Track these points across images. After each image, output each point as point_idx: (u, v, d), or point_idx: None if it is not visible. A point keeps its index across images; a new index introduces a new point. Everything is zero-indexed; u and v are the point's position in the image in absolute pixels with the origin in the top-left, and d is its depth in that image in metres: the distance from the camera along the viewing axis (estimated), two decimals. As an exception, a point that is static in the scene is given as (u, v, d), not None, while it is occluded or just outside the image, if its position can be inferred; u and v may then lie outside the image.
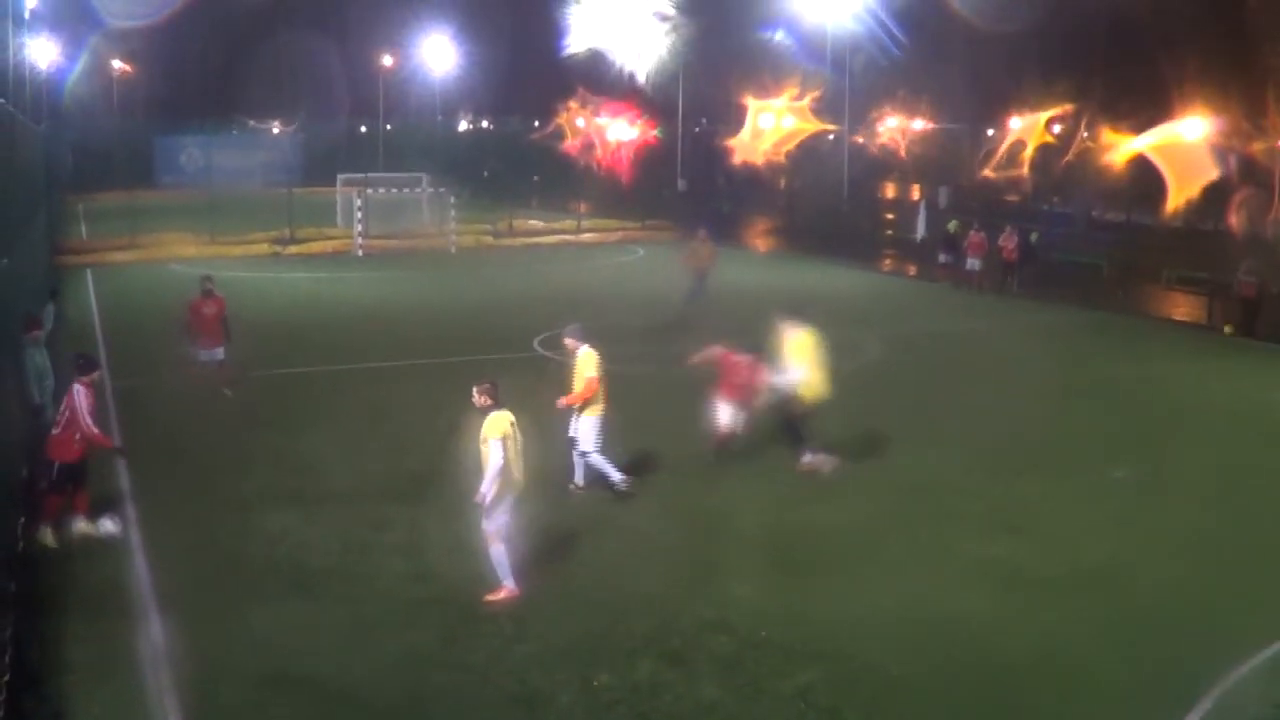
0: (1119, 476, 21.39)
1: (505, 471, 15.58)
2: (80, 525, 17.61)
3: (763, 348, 21.54)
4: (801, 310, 22.01)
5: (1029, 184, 71.60)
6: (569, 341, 20.35)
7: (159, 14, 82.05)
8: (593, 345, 20.40)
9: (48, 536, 17.35)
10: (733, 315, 34.78)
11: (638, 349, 32.46)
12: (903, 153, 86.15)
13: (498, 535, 15.73)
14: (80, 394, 17.54)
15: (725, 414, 21.72)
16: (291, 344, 32.04)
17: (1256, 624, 15.23)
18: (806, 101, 70.17)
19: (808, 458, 21.26)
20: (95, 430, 17.68)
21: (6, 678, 13.11)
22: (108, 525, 17.79)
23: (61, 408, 17.75)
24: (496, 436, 15.54)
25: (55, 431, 17.67)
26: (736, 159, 72.18)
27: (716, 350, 21.99)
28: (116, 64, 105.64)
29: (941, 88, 76.78)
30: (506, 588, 15.81)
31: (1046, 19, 63.34)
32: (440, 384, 25.77)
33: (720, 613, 15.32)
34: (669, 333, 33.80)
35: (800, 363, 21.12)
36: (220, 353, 26.68)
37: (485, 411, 15.83)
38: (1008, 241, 45.34)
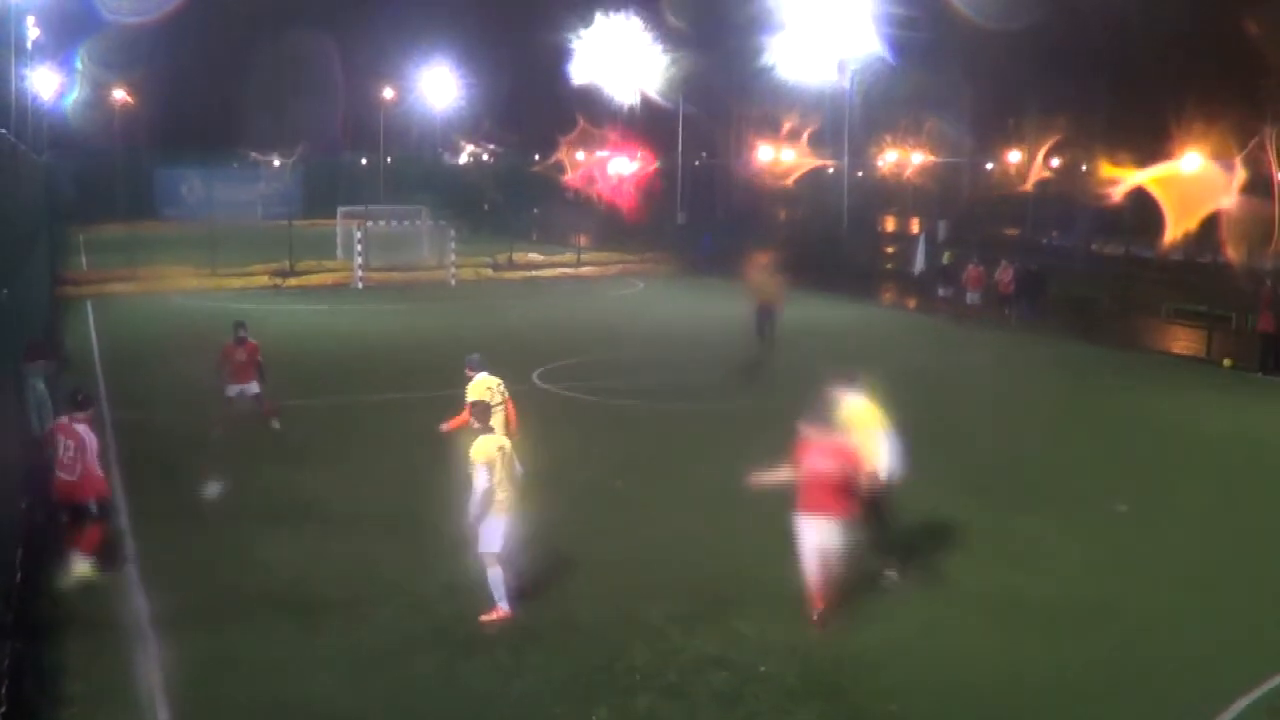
0: (1121, 510, 21.37)
1: (491, 494, 15.78)
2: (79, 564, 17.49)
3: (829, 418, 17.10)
4: (854, 373, 18.41)
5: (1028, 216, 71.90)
6: (468, 371, 20.22)
7: (159, 10, 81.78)
8: (492, 374, 20.23)
9: (86, 568, 17.15)
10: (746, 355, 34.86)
11: (653, 381, 32.57)
12: (904, 184, 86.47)
13: (493, 558, 15.89)
14: (87, 433, 17.39)
15: (821, 537, 16.04)
16: (290, 376, 31.95)
17: (1259, 657, 15.20)
18: (805, 136, 70.44)
19: (891, 571, 17.66)
20: (99, 473, 17.69)
21: (3, 710, 13.07)
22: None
23: (70, 449, 17.39)
24: (481, 460, 15.78)
25: (72, 478, 17.33)
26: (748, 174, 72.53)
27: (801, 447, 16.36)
28: (118, 94, 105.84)
29: (941, 121, 76.96)
30: (500, 609, 15.99)
31: (1046, 52, 63.59)
32: (439, 417, 25.72)
33: (720, 648, 15.29)
34: (710, 370, 33.84)
35: (875, 438, 17.49)
36: (254, 387, 26.30)
37: (476, 435, 16.21)
38: (1004, 275, 45.47)
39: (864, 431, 17.33)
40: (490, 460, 15.86)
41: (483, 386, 19.76)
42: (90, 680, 14.30)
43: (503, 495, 15.96)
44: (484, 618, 15.93)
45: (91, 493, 17.43)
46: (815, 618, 15.88)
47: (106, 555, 17.60)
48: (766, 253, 39.11)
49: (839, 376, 18.09)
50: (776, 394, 31.22)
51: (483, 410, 16.88)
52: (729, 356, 35.52)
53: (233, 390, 26.16)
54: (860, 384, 18.05)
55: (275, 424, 26.43)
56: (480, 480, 15.75)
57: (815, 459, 16.00)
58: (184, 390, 30.17)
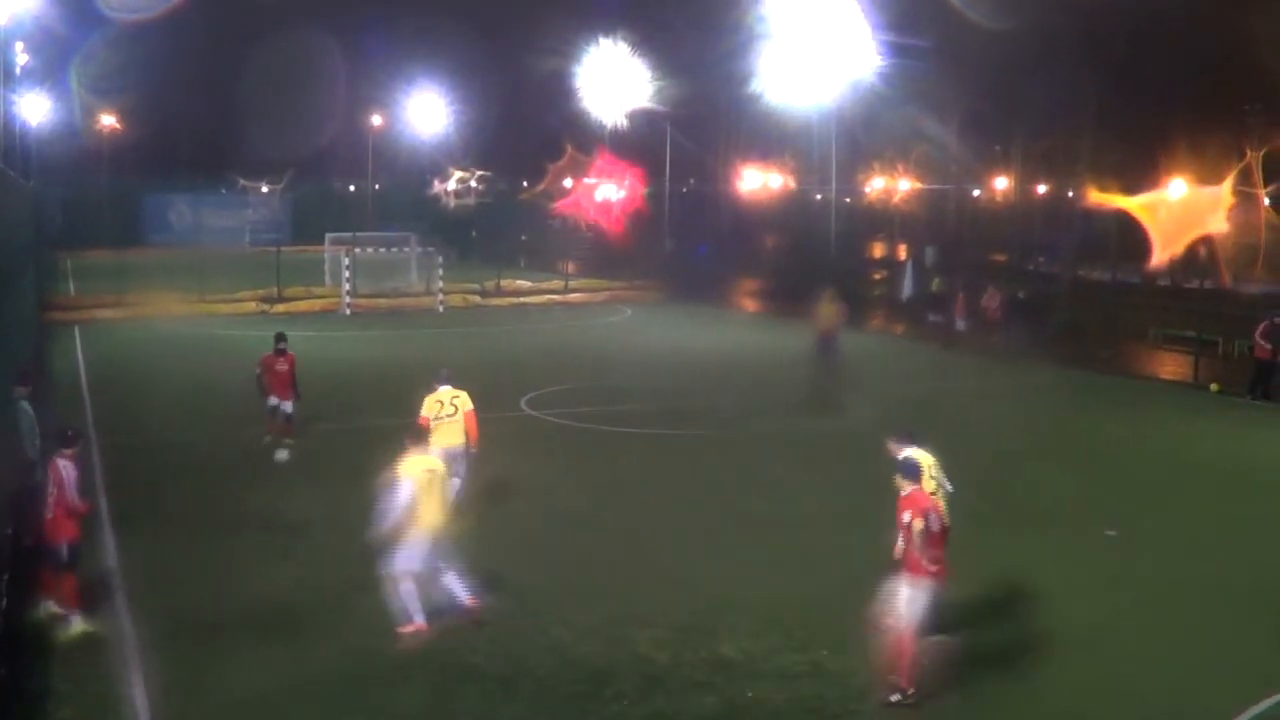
0: (1110, 535, 21.40)
1: (410, 512, 15.97)
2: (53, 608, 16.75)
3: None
4: (914, 428, 16.83)
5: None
6: (434, 385, 21.25)
7: (158, 8, 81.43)
8: (457, 388, 21.19)
9: (79, 624, 16.44)
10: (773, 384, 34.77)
11: (641, 407, 32.56)
12: (891, 210, 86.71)
13: (404, 575, 16.08)
14: (66, 467, 16.88)
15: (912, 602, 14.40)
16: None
17: (1250, 679, 15.22)
18: (793, 163, 70.61)
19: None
20: (79, 502, 16.93)
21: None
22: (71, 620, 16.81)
23: (50, 486, 16.91)
24: (407, 476, 16.09)
25: (50, 515, 16.76)
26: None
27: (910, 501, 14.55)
28: (107, 120, 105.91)
29: (928, 147, 77.13)
30: (416, 624, 16.12)
31: (1033, 79, 63.81)
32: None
33: (707, 673, 15.28)
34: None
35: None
36: (289, 406, 27.22)
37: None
38: (991, 301, 45.51)
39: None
40: (414, 479, 16.12)
41: (434, 400, 20.80)
42: (78, 705, 14.27)
43: (426, 517, 16.11)
44: (401, 630, 16.08)
45: (61, 536, 16.74)
46: (907, 696, 14.30)
47: (85, 603, 16.93)
48: (828, 284, 38.79)
49: (902, 431, 16.48)
50: (765, 420, 31.33)
51: (417, 431, 17.33)
52: (721, 383, 35.62)
53: (273, 401, 27.11)
54: (920, 438, 16.45)
55: (290, 444, 26.73)
56: (400, 496, 15.97)
57: (924, 514, 14.31)
58: (171, 415, 30.20)
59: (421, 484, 16.11)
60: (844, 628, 16.80)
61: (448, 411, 20.89)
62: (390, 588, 16.19)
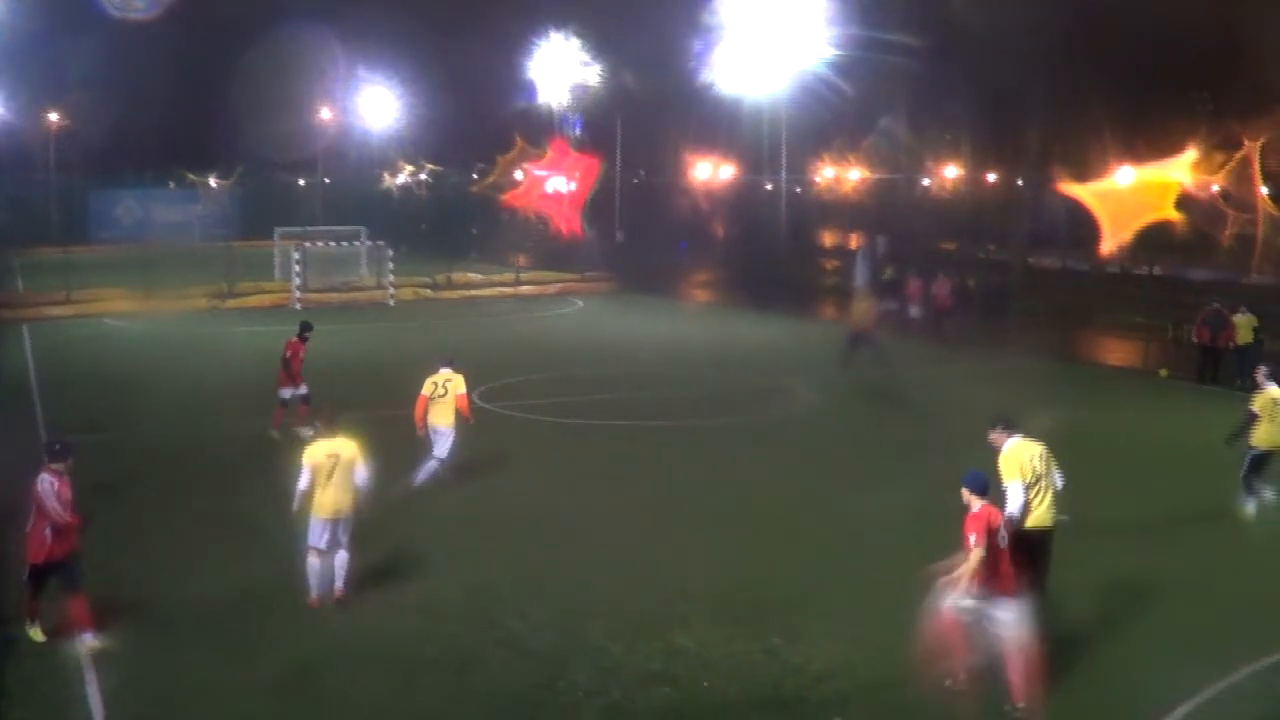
0: (1063, 519, 21.46)
1: (308, 494, 17.03)
2: (89, 641, 15.79)
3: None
4: (1013, 415, 17.15)
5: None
6: (437, 366, 23.26)
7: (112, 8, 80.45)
8: (455, 370, 23.14)
9: (38, 633, 16.07)
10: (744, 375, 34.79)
11: (593, 399, 32.55)
12: (841, 200, 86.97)
13: (313, 551, 17.08)
14: (47, 483, 15.97)
15: (963, 611, 14.12)
16: (228, 400, 31.75)
17: (1199, 665, 15.34)
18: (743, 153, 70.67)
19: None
20: (64, 516, 15.95)
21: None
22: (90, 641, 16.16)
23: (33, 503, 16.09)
24: (306, 461, 17.13)
25: (28, 531, 16.08)
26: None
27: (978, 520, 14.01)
28: (53, 116, 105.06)
29: (879, 137, 77.38)
30: (310, 598, 17.09)
31: (983, 67, 64.02)
32: (377, 436, 25.63)
33: (663, 664, 15.30)
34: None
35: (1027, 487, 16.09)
36: (304, 389, 27.78)
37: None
38: (940, 289, 45.71)
39: (1015, 479, 16.00)
40: (315, 463, 17.02)
41: (430, 381, 22.79)
42: (30, 707, 14.18)
43: (327, 498, 17.01)
44: (309, 601, 17.04)
45: (35, 555, 16.05)
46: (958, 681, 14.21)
47: (43, 618, 16.33)
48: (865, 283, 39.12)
49: (1000, 418, 16.83)
50: (717, 411, 31.37)
51: (327, 414, 18.17)
52: (673, 374, 35.68)
53: (286, 394, 27.64)
54: (1021, 425, 16.62)
55: (310, 430, 26.78)
56: (301, 480, 16.98)
57: (989, 536, 13.91)
58: (123, 412, 30.02)
59: (323, 467, 16.96)
60: (797, 616, 16.89)
61: (439, 393, 22.74)
62: (301, 561, 17.11)
